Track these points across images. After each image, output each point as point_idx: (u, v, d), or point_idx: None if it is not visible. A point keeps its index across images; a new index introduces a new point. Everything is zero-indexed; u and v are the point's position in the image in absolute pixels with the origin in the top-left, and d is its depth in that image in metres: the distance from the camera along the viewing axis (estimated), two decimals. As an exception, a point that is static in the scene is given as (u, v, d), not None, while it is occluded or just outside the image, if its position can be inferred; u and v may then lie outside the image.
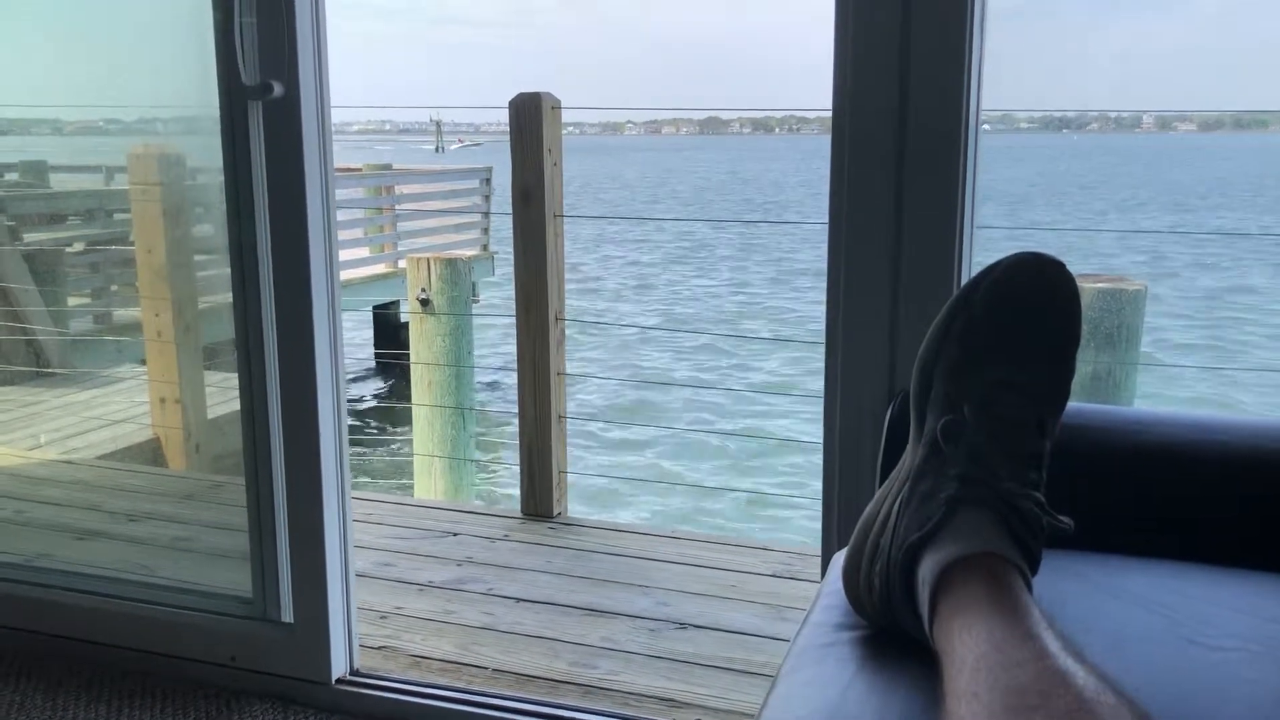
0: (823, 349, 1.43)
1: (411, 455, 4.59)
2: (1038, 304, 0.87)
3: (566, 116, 2.95)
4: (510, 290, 3.06)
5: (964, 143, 1.32)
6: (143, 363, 2.35)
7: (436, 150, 46.73)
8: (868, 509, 0.92)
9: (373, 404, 8.43)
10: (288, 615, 1.77)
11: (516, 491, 2.92)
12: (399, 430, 6.86)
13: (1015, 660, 0.68)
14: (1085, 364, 3.07)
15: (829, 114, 1.37)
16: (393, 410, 7.69)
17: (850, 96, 1.35)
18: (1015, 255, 0.88)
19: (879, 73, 1.33)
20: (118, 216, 2.52)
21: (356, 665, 1.81)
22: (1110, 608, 0.89)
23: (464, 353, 4.57)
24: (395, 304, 9.06)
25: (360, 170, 9.99)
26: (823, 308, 1.42)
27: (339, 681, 1.77)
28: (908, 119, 1.33)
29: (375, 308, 9.26)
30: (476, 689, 1.82)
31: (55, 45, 2.01)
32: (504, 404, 7.75)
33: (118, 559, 2.05)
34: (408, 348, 4.65)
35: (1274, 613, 0.89)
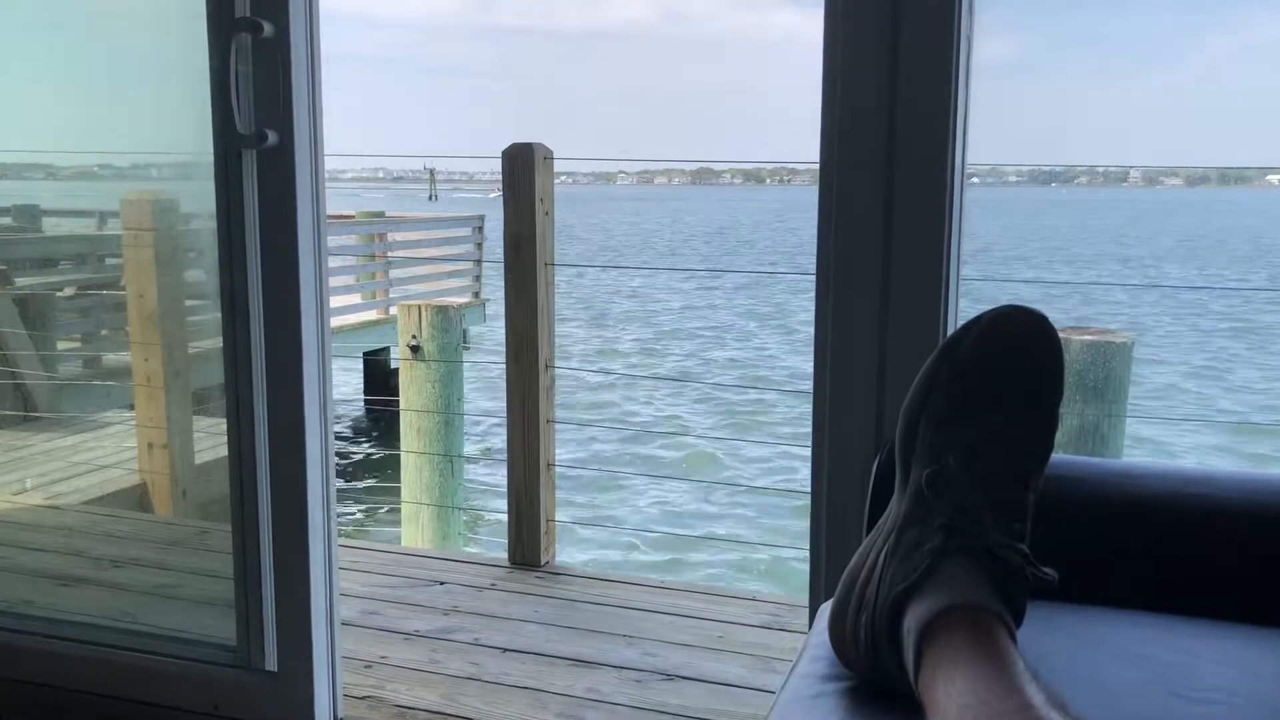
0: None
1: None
2: (1021, 356, 0.88)
3: (559, 166, 2.98)
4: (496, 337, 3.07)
5: (949, 195, 1.34)
6: (131, 408, 2.34)
7: (430, 198, 47.04)
8: (854, 559, 0.92)
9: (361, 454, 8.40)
10: (272, 663, 1.75)
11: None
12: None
13: (999, 712, 0.68)
14: (1072, 416, 3.09)
15: (818, 166, 1.39)
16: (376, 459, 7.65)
17: (838, 150, 1.37)
18: (999, 308, 0.89)
19: (866, 127, 1.35)
20: (109, 261, 2.52)
21: (341, 715, 1.79)
22: (1094, 660, 0.89)
23: (454, 400, 4.57)
24: (386, 350, 9.07)
25: (353, 217, 10.03)
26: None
27: (322, 731, 1.76)
28: (894, 172, 1.35)
29: (366, 354, 9.26)
30: (461, 740, 1.81)
31: (51, 91, 2.03)
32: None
33: (101, 606, 2.03)
34: (398, 394, 4.65)
35: (1258, 666, 0.90)
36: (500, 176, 2.82)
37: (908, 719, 0.77)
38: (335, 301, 7.54)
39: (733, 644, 2.28)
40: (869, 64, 1.33)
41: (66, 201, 2.54)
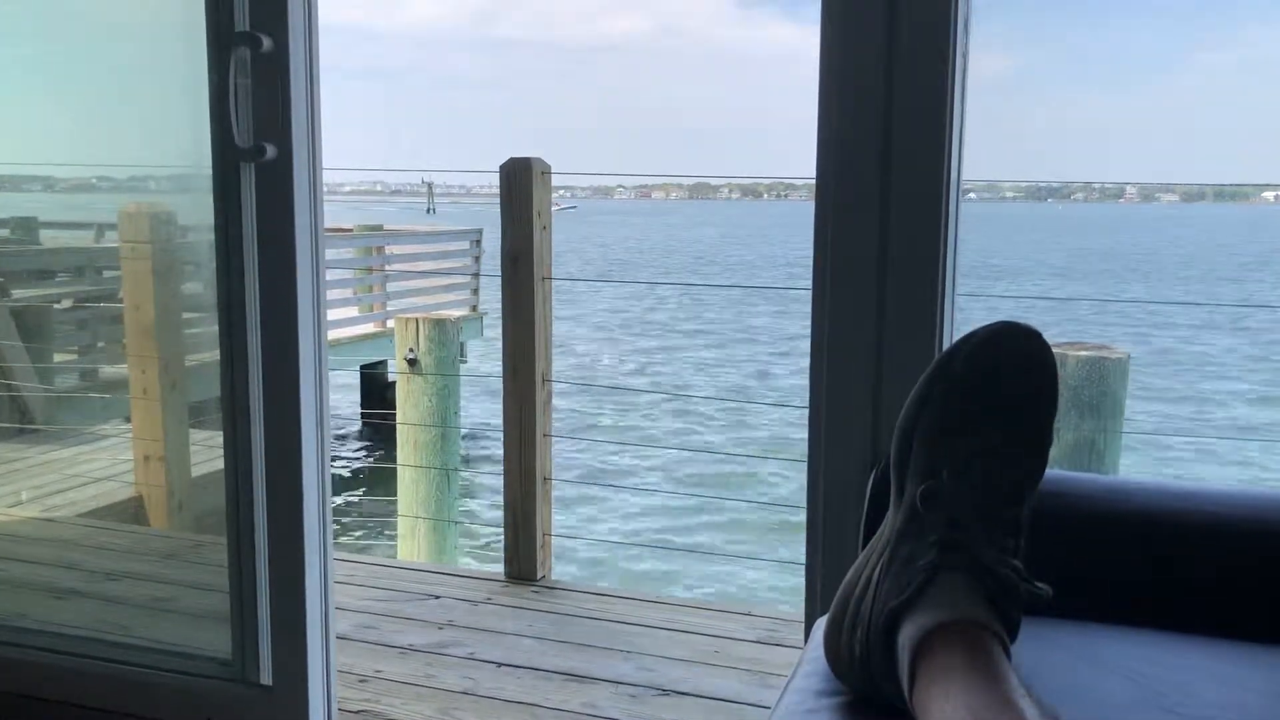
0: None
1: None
2: (1015, 372, 0.88)
3: (557, 180, 2.98)
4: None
5: (945, 211, 1.34)
6: (127, 420, 2.34)
7: (428, 211, 47.16)
8: (849, 574, 0.92)
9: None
10: (266, 677, 1.75)
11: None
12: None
13: (993, 728, 0.68)
14: (1068, 432, 3.08)
15: (815, 181, 1.40)
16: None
17: (834, 165, 1.37)
18: (993, 324, 0.89)
19: (862, 142, 1.35)
20: (107, 274, 2.52)
21: (335, 729, 1.79)
22: (1090, 676, 0.89)
23: (450, 413, 4.56)
24: (383, 364, 9.06)
25: (351, 230, 10.04)
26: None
27: (316, 746, 1.75)
28: (890, 187, 1.35)
29: (363, 367, 9.25)
30: (456, 755, 1.80)
31: (50, 103, 2.03)
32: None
33: (95, 619, 2.02)
34: (394, 407, 4.64)
35: (1253, 682, 0.90)
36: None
37: (902, 735, 0.77)
38: (333, 314, 7.54)
39: (729, 659, 2.27)
40: (866, 79, 1.34)
41: (64, 213, 2.54)
